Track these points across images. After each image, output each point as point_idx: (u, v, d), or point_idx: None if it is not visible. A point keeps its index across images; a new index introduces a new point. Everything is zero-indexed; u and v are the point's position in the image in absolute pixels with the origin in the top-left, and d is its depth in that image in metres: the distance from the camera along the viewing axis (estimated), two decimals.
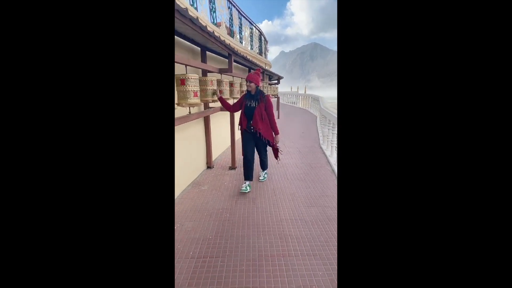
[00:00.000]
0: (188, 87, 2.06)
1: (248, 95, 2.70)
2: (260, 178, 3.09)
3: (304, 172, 3.30)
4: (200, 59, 3.03)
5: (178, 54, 2.19)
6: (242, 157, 2.89)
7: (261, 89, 2.85)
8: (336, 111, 4.01)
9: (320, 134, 5.23)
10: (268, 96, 2.65)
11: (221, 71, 3.13)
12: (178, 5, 1.57)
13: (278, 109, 9.26)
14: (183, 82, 2.03)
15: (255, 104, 2.63)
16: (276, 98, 9.12)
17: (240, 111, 2.80)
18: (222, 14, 5.15)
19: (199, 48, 3.00)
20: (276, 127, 2.73)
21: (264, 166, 3.13)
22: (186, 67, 2.20)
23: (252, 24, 7.51)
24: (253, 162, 2.80)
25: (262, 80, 4.51)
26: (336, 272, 1.54)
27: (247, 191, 2.72)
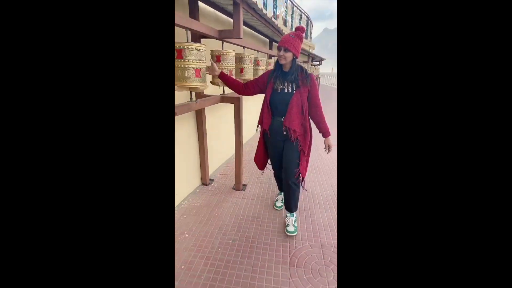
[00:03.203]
0: (187, 62, 1.42)
1: (278, 73, 1.53)
2: (289, 229, 1.70)
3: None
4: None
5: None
6: (258, 169, 1.96)
7: (301, 63, 1.73)
8: None
9: None
10: (313, 75, 1.55)
11: (222, 35, 1.90)
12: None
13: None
14: (180, 54, 1.43)
15: (292, 89, 1.51)
16: (317, 80, 10.09)
17: (254, 95, 1.71)
18: (281, 8, 6.41)
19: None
20: (326, 124, 1.63)
21: (291, 203, 1.74)
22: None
23: (301, 11, 9.16)
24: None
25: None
26: None
27: (281, 208, 1.98)
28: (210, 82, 1.89)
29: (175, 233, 1.71)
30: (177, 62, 1.41)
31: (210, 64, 1.66)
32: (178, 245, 1.60)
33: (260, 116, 1.67)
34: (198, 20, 1.83)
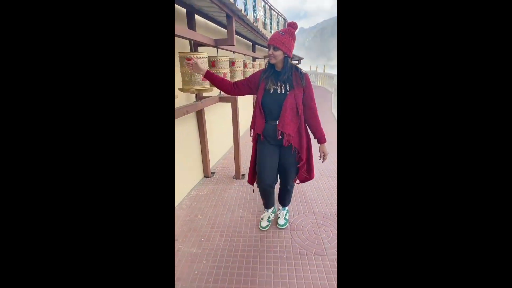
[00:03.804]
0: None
1: (270, 72, 1.43)
2: (280, 222, 1.80)
3: None
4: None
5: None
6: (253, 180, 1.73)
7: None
8: None
9: (333, 103, 6.89)
10: (307, 75, 1.45)
11: (217, 44, 2.20)
12: None
13: None
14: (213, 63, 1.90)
15: (286, 90, 1.40)
16: None
17: (244, 96, 1.61)
18: (260, 12, 7.28)
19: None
20: (322, 129, 1.52)
21: (286, 199, 1.80)
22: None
23: (279, 15, 10.10)
24: (275, 186, 1.69)
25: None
26: None
27: (266, 228, 1.77)
28: (179, 89, 1.85)
29: (190, 217, 1.98)
30: (187, 69, 1.69)
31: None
32: (195, 224, 1.88)
33: (252, 120, 1.52)
34: (195, 31, 2.11)
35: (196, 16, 2.26)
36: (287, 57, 1.37)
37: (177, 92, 1.77)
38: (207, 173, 2.70)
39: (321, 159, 1.55)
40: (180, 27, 1.62)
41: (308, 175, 1.62)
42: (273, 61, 1.38)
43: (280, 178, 1.69)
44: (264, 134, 1.51)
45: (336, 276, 1.37)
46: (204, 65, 1.77)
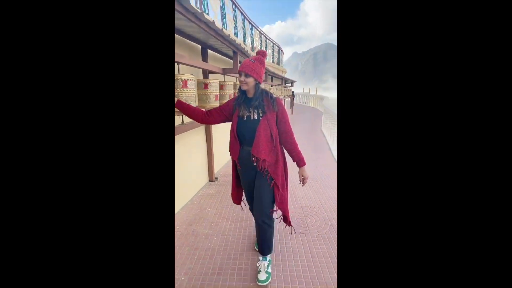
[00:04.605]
0: (211, 91, 2.20)
1: (242, 100, 1.46)
2: (260, 278, 1.51)
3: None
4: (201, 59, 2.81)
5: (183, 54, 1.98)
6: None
7: (265, 87, 1.66)
8: (335, 107, 5.61)
9: (323, 120, 7.47)
10: (279, 100, 1.47)
11: (225, 72, 2.70)
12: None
13: (291, 106, 11.37)
14: (206, 86, 2.17)
15: (259, 115, 1.42)
16: (290, 98, 11.05)
17: (219, 123, 1.57)
18: (257, 41, 8.26)
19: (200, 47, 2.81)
20: (300, 152, 1.48)
21: (264, 243, 1.56)
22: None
23: (274, 44, 11.14)
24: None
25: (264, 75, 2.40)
26: None
27: (267, 283, 1.49)
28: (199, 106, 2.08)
29: (200, 209, 2.42)
30: (203, 91, 2.21)
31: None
32: (205, 214, 2.31)
33: (230, 144, 1.52)
34: (207, 62, 2.69)
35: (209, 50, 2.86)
36: (258, 83, 1.41)
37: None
38: (211, 178, 3.16)
39: (301, 183, 1.52)
40: (196, 60, 2.17)
41: (281, 207, 1.48)
42: (245, 88, 1.40)
43: (255, 211, 1.52)
44: (240, 160, 1.50)
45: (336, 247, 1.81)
46: (215, 89, 2.27)
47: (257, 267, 1.58)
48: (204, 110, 1.54)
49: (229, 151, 1.53)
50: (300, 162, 1.48)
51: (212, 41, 2.56)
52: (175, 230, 2.06)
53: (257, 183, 1.48)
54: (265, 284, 1.49)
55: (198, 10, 1.57)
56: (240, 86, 1.43)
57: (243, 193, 1.69)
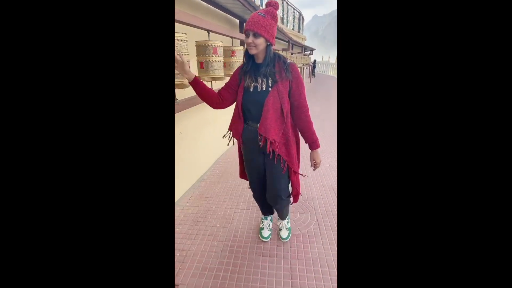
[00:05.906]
0: (238, 58, 2.09)
1: (248, 66, 1.16)
2: (282, 235, 1.56)
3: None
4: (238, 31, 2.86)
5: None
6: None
7: (277, 50, 1.30)
8: None
9: None
10: (294, 66, 1.17)
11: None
12: None
13: (310, 76, 11.47)
14: (233, 53, 2.09)
15: (268, 86, 1.14)
16: (309, 67, 10.53)
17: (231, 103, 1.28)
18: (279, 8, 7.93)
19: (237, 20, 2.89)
20: (314, 133, 1.24)
21: (284, 214, 1.53)
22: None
23: (295, 9, 10.51)
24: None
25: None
26: None
27: (268, 239, 1.55)
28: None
29: (212, 180, 2.34)
30: (230, 59, 2.06)
31: (179, 59, 1.11)
32: (211, 192, 2.24)
33: (231, 121, 1.29)
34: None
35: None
36: (270, 45, 1.10)
37: (177, 95, 1.63)
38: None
39: (313, 167, 1.31)
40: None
41: (297, 192, 1.34)
42: (253, 52, 1.08)
43: (269, 199, 1.38)
44: (244, 139, 1.26)
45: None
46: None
47: (278, 225, 1.63)
48: (217, 93, 1.23)
49: (229, 128, 1.30)
50: (313, 145, 1.25)
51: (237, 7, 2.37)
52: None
53: (268, 170, 1.28)
54: (287, 240, 1.57)
55: None
56: (246, 50, 1.12)
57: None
